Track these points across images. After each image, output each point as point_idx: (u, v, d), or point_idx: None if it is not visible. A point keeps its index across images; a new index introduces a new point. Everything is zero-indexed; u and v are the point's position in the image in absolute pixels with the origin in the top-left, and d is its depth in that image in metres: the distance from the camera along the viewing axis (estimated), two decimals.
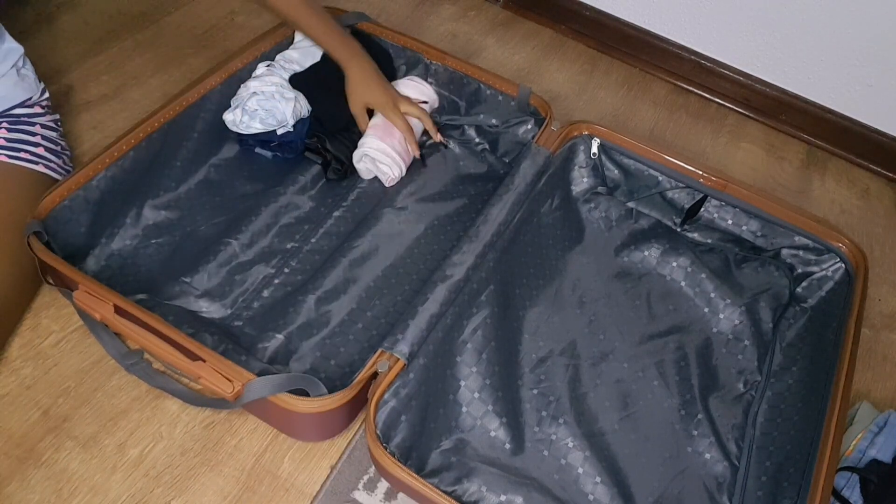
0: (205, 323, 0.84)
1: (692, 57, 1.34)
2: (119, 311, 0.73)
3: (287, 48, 1.08)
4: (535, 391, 0.84)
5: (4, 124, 0.88)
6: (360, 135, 1.01)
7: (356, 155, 1.00)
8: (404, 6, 1.43)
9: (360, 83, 0.98)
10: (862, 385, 0.94)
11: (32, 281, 0.84)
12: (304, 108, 1.01)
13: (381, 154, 0.98)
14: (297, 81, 1.02)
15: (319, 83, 1.03)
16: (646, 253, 1.00)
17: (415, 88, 1.06)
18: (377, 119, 1.01)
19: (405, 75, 1.10)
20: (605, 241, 1.02)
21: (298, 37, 1.09)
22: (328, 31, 0.98)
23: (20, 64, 0.90)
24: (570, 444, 0.79)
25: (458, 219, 1.01)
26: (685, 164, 0.98)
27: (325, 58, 1.07)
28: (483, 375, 0.81)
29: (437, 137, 1.04)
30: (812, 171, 1.27)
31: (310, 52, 1.07)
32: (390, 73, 1.09)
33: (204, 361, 0.70)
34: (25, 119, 0.90)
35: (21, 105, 0.90)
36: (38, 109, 0.92)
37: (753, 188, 0.97)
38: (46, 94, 0.95)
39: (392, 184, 1.02)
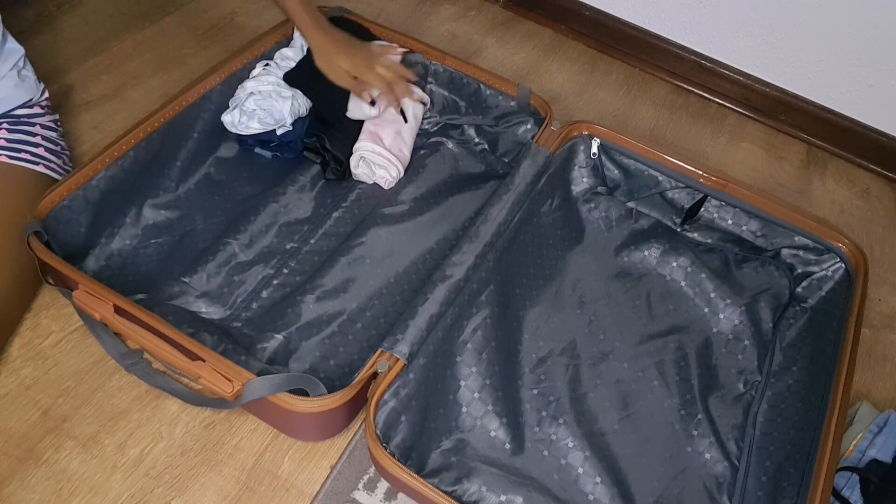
0: (204, 323, 0.83)
1: (692, 57, 1.34)
2: (119, 310, 0.73)
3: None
4: (535, 391, 0.84)
5: (5, 125, 0.88)
6: (359, 133, 1.01)
7: (353, 160, 1.00)
8: (404, 6, 1.43)
9: (322, 56, 0.96)
10: (862, 385, 0.94)
11: (32, 281, 0.84)
12: (301, 106, 1.01)
13: (375, 156, 0.98)
14: (291, 78, 1.01)
15: (313, 75, 1.00)
16: (646, 253, 1.00)
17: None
18: (368, 124, 1.01)
19: None
20: (605, 241, 1.02)
21: (297, 34, 1.09)
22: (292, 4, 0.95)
23: (21, 65, 0.90)
24: (570, 444, 0.79)
25: (457, 219, 1.01)
26: (685, 164, 0.98)
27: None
28: (483, 375, 0.81)
29: (415, 97, 1.03)
30: (812, 171, 1.27)
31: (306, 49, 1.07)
32: None
33: (204, 361, 0.70)
34: (25, 119, 0.90)
35: (21, 106, 0.90)
36: (37, 110, 0.92)
37: (753, 188, 0.97)
38: (46, 95, 0.95)
39: (390, 186, 1.02)
